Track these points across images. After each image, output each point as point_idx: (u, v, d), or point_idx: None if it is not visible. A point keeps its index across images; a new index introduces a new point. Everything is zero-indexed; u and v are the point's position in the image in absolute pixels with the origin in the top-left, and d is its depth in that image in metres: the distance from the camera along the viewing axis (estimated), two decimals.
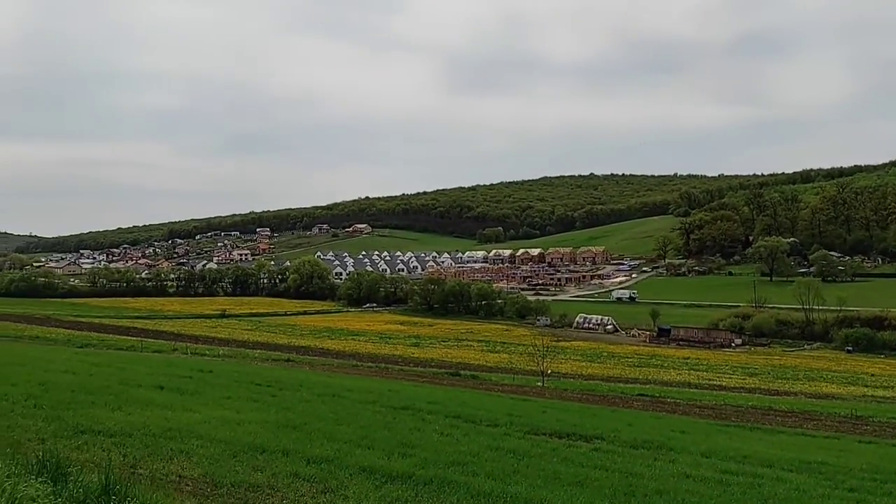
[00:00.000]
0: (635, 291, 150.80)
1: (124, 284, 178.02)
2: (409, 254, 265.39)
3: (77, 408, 12.82)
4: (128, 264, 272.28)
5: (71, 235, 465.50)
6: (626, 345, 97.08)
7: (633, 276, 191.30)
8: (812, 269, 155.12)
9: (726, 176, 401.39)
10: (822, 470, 16.19)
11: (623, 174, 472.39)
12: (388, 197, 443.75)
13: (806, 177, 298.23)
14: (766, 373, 71.44)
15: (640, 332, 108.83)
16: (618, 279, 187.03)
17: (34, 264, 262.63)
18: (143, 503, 5.77)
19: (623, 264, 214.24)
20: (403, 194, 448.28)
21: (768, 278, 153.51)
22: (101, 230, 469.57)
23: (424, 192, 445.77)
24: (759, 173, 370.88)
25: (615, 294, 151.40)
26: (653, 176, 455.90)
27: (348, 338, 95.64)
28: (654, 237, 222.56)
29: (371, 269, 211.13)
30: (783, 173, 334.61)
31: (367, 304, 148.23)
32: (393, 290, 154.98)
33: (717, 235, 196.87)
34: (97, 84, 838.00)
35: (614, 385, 54.60)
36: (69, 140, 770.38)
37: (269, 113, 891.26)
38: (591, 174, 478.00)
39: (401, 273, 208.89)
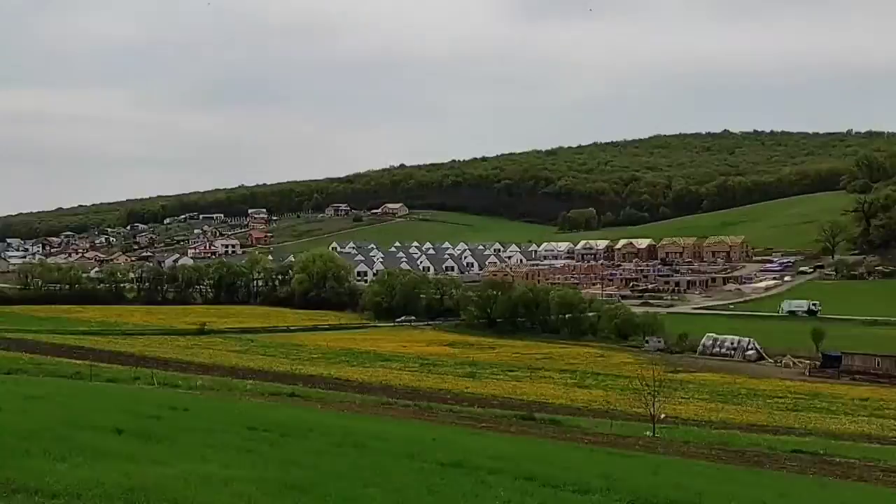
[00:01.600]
0: (816, 302, 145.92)
1: (67, 287, 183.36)
2: (461, 245, 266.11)
3: (7, 457, 13.17)
4: (72, 259, 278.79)
5: None
6: (776, 378, 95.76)
7: (787, 278, 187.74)
8: None
9: None
10: None
11: (771, 132, 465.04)
12: (431, 165, 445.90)
13: None
14: None
15: (795, 360, 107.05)
16: (763, 283, 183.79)
17: None
18: None
19: (772, 262, 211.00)
20: (453, 161, 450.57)
21: None
22: (34, 211, 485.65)
23: (483, 159, 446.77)
24: None
25: (786, 307, 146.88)
26: (815, 134, 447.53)
27: (376, 363, 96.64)
28: (817, 223, 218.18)
29: (408, 266, 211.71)
30: None
31: (403, 317, 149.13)
32: (439, 296, 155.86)
33: None
34: (21, 8, 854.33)
35: (758, 436, 53.84)
36: None
37: (265, 48, 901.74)
38: (725, 131, 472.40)
39: (450, 273, 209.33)
